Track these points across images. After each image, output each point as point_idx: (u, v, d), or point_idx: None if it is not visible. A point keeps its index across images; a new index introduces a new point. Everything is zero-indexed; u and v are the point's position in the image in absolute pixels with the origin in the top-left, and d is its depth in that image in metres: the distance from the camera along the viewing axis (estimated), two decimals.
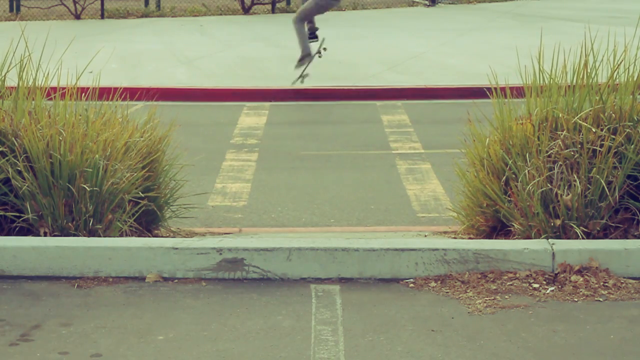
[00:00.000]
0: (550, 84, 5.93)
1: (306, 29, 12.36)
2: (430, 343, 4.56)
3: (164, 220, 6.37)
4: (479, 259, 5.35)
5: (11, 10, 19.98)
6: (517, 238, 5.64)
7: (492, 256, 5.35)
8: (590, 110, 5.75)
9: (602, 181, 5.52)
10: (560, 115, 5.77)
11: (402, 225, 7.02)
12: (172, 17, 19.86)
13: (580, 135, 5.65)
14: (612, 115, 5.73)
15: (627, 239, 5.57)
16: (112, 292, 5.21)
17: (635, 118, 5.73)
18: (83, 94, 6.10)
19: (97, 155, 5.67)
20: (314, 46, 12.39)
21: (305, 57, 12.30)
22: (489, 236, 5.95)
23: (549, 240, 5.45)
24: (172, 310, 4.98)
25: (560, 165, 5.62)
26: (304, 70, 12.36)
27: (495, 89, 6.08)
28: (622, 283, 5.25)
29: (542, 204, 5.56)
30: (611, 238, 5.57)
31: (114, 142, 5.83)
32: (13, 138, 5.73)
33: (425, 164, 8.85)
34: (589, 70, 5.91)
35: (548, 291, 5.16)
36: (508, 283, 5.24)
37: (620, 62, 5.94)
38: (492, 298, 5.08)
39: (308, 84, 12.48)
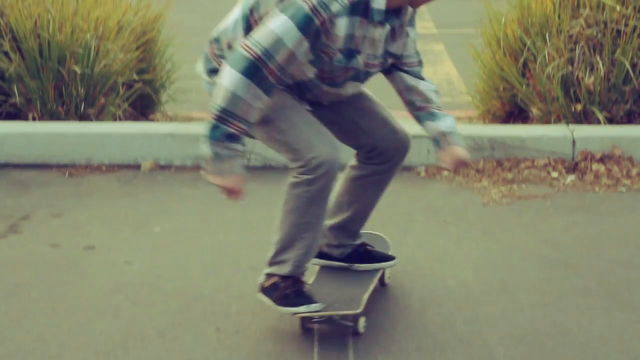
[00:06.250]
0: None
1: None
2: (443, 235, 4.30)
3: (160, 105, 6.11)
4: (494, 146, 5.15)
5: None
6: (535, 124, 5.44)
7: (508, 143, 5.14)
8: None
9: (627, 63, 5.26)
10: None
11: None
12: None
13: (604, 14, 5.35)
14: None
15: None
16: (106, 181, 4.96)
17: None
18: None
19: (88, 35, 5.37)
20: None
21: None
22: (505, 122, 5.77)
23: (569, 126, 5.27)
24: (169, 200, 4.75)
25: (582, 46, 5.36)
26: None
27: None
28: None
29: (562, 87, 5.34)
30: (635, 124, 5.37)
31: (106, 21, 5.56)
32: None
33: (438, 44, 8.56)
34: None
35: (568, 180, 4.93)
36: (525, 172, 5.02)
37: None
38: (509, 188, 4.85)
39: None
